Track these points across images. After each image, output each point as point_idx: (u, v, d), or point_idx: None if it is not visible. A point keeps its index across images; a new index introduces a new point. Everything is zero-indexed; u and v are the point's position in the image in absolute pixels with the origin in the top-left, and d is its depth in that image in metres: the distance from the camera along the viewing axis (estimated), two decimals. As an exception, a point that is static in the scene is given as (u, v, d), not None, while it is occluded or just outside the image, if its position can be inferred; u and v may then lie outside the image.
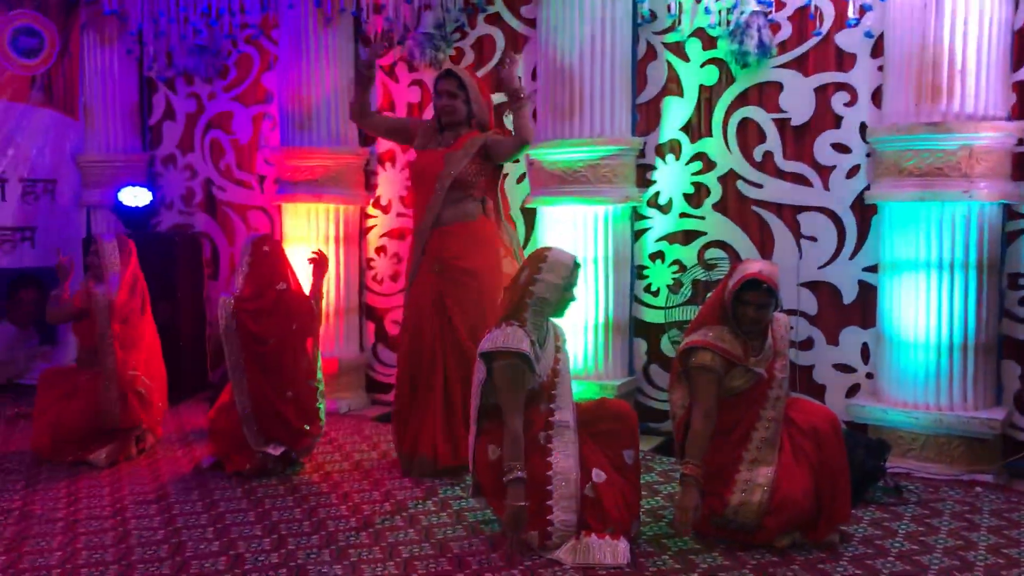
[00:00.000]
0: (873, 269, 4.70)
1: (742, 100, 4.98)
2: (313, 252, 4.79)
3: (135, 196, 6.39)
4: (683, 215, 5.14)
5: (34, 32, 6.46)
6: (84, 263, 5.11)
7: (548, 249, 3.64)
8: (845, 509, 3.51)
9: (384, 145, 6.01)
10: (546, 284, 3.51)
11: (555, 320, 3.69)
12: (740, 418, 3.53)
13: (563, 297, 3.57)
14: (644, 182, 5.20)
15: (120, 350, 4.79)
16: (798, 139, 4.87)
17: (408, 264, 4.70)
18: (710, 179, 5.06)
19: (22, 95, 6.44)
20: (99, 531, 3.75)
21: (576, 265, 3.58)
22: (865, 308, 4.77)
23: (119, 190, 6.39)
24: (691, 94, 5.10)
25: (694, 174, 5.11)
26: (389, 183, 6.06)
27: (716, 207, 5.06)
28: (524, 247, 5.53)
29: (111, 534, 3.71)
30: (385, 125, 5.00)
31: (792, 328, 3.73)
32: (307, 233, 5.87)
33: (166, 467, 4.67)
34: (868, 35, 4.63)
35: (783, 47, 4.87)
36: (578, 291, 3.66)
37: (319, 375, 4.65)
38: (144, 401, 4.86)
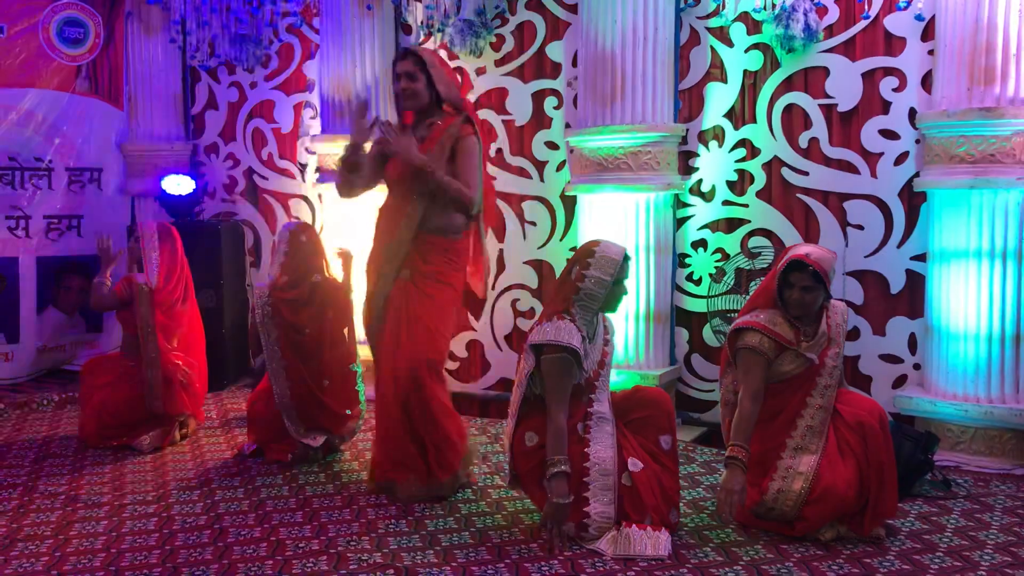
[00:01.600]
0: (921, 258, 4.60)
1: (787, 86, 4.89)
2: (338, 249, 4.82)
3: (178, 184, 6.46)
4: (726, 203, 5.07)
5: (79, 22, 6.53)
6: (127, 250, 5.16)
7: (596, 243, 3.59)
8: (892, 503, 3.44)
9: (424, 133, 5.98)
10: (595, 280, 3.47)
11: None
12: (787, 403, 3.48)
13: (613, 292, 3.53)
14: (687, 169, 5.13)
15: (162, 338, 4.84)
16: (845, 125, 4.77)
17: (372, 271, 4.14)
18: (754, 166, 4.98)
19: (68, 85, 6.51)
20: (143, 516, 3.79)
21: (626, 258, 3.54)
22: (913, 298, 4.67)
23: (163, 179, 6.46)
24: (735, 80, 5.02)
25: (738, 161, 5.04)
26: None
27: (760, 195, 4.98)
28: (564, 236, 5.50)
29: (154, 519, 3.75)
30: (371, 170, 4.13)
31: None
32: (348, 221, 5.88)
33: (209, 453, 4.72)
34: (919, 18, 4.52)
35: (830, 31, 4.77)
36: (628, 284, 3.62)
37: (358, 360, 4.66)
38: (187, 388, 4.91)
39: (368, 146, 4.07)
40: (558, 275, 5.48)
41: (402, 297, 4.00)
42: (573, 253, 3.67)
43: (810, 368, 3.49)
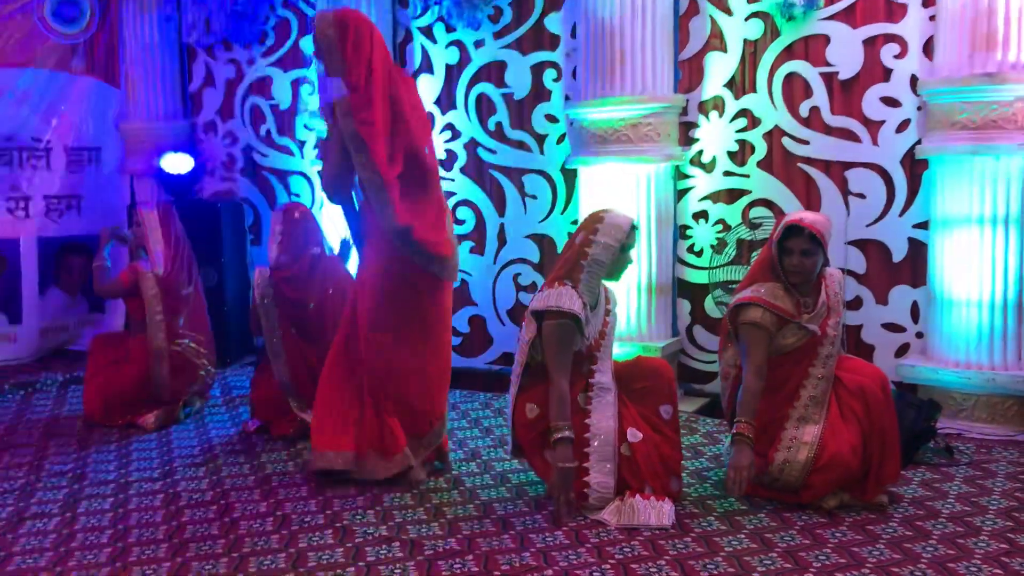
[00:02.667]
0: (924, 226, 4.59)
1: (788, 54, 4.85)
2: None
3: (177, 163, 6.44)
4: (727, 173, 5.05)
5: (74, 1, 6.48)
6: (129, 231, 5.16)
7: (605, 211, 3.58)
8: (894, 470, 3.45)
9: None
10: (602, 246, 3.47)
11: (607, 283, 3.66)
12: (789, 375, 3.49)
13: (619, 259, 3.53)
14: (687, 140, 5.10)
15: (170, 320, 4.85)
16: (846, 93, 4.74)
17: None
18: (755, 136, 4.96)
19: (64, 64, 6.48)
20: (149, 492, 3.81)
21: (633, 227, 3.54)
22: (915, 266, 4.66)
23: (161, 157, 6.44)
24: (735, 49, 4.99)
25: (738, 131, 5.01)
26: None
27: (761, 165, 4.96)
28: (565, 209, 5.49)
29: (161, 496, 3.77)
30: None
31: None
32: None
33: (214, 430, 4.73)
34: (920, -16, 4.49)
35: (830, -2, 4.74)
36: (633, 253, 3.62)
37: None
38: (193, 370, 4.92)
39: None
40: (559, 248, 5.49)
41: (402, 288, 3.92)
42: (577, 225, 3.64)
43: (812, 339, 3.49)
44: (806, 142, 4.83)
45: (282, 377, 4.51)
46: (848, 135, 4.74)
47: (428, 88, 5.87)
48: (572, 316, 3.40)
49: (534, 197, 5.61)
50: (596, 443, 3.42)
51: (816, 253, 3.44)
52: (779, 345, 3.48)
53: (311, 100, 6.37)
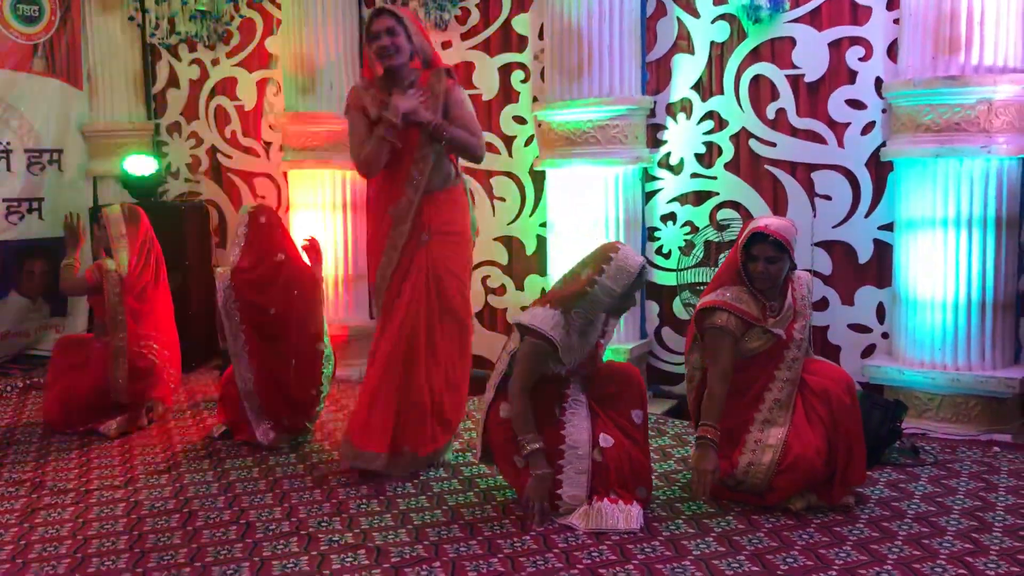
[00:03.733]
0: (889, 227, 4.62)
1: (754, 56, 4.87)
2: (305, 239, 4.75)
3: (141, 165, 6.35)
4: (695, 175, 5.05)
5: (34, -1, 6.38)
6: (91, 234, 5.07)
7: (617, 249, 3.41)
8: (860, 471, 3.46)
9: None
10: (605, 289, 3.36)
11: None
12: (755, 378, 3.49)
13: (619, 305, 3.46)
14: (655, 142, 5.11)
15: (133, 322, 4.76)
16: (812, 95, 4.76)
17: (379, 238, 4.04)
18: (722, 138, 4.97)
19: (24, 64, 6.35)
20: (110, 501, 3.74)
21: (642, 271, 3.41)
22: (881, 267, 4.69)
23: (125, 159, 6.35)
24: (702, 51, 4.99)
25: (705, 133, 5.02)
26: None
27: (728, 167, 4.97)
28: (533, 212, 5.47)
29: (122, 504, 3.70)
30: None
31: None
32: (314, 200, 5.81)
33: (177, 436, 4.66)
34: (884, -13, 4.51)
35: (796, 1, 4.75)
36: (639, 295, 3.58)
37: (326, 339, 4.61)
38: (155, 374, 4.84)
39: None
40: (529, 251, 5.48)
41: (426, 257, 3.97)
42: (591, 252, 3.50)
43: (777, 343, 3.49)
44: (773, 144, 4.85)
45: (245, 386, 4.43)
46: (814, 137, 4.76)
47: (395, 89, 5.83)
48: (550, 342, 3.38)
49: (503, 199, 5.59)
50: (570, 455, 3.40)
51: (781, 259, 3.44)
52: (744, 349, 3.47)
53: (276, 101, 6.30)
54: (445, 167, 4.01)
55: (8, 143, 6.29)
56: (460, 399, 4.12)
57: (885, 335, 4.70)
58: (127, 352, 4.71)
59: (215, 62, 6.58)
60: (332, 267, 5.69)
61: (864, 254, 4.72)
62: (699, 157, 5.04)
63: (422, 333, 3.95)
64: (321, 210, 5.78)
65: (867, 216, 4.69)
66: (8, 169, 6.29)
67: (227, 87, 6.57)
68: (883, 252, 4.67)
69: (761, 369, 3.49)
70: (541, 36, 5.26)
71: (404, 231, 3.95)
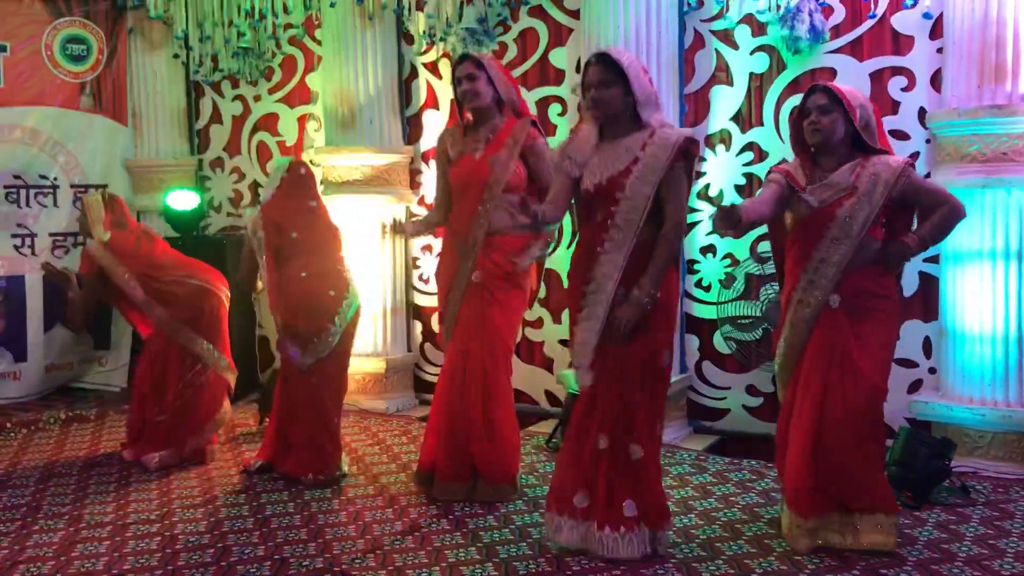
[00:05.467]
0: (935, 260, 4.52)
1: (794, 87, 4.82)
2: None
3: (183, 200, 6.44)
4: (734, 207, 4.99)
5: (82, 39, 6.53)
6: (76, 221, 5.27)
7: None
8: (877, 497, 3.30)
9: (428, 143, 5.95)
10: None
11: None
12: (798, 253, 3.42)
13: None
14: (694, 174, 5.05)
15: (139, 274, 4.80)
16: (853, 126, 4.69)
17: (447, 277, 4.17)
18: (762, 170, 4.90)
19: (72, 102, 6.51)
20: (146, 535, 3.74)
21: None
22: (927, 301, 4.59)
23: (168, 194, 6.44)
24: (741, 83, 4.96)
25: (745, 165, 4.97)
26: (434, 181, 5.99)
27: (768, 198, 4.90)
28: (571, 244, 5.43)
29: (158, 539, 3.70)
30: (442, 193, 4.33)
31: (905, 177, 3.29)
32: (354, 233, 5.83)
33: (215, 470, 4.67)
34: (927, 16, 4.44)
35: (836, 31, 4.71)
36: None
37: (352, 285, 4.58)
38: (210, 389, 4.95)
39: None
40: (566, 284, 5.43)
41: (477, 300, 4.03)
42: None
43: (818, 216, 3.33)
44: (814, 175, 4.77)
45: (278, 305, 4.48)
46: (856, 168, 4.68)
47: (436, 124, 5.86)
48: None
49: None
50: (590, 295, 3.34)
51: (833, 111, 3.31)
52: (793, 218, 3.44)
53: (316, 136, 6.37)
54: (513, 216, 4.02)
55: (55, 178, 6.42)
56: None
57: (932, 370, 4.58)
58: (168, 319, 4.85)
59: (257, 98, 6.68)
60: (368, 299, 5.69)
61: (909, 287, 4.62)
62: (739, 188, 4.99)
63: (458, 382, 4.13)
64: (360, 243, 5.79)
65: (912, 248, 4.59)
66: (55, 204, 6.43)
67: (269, 123, 6.66)
68: (929, 285, 4.57)
69: (803, 244, 3.39)
70: (578, 70, 5.26)
71: (465, 267, 4.04)
